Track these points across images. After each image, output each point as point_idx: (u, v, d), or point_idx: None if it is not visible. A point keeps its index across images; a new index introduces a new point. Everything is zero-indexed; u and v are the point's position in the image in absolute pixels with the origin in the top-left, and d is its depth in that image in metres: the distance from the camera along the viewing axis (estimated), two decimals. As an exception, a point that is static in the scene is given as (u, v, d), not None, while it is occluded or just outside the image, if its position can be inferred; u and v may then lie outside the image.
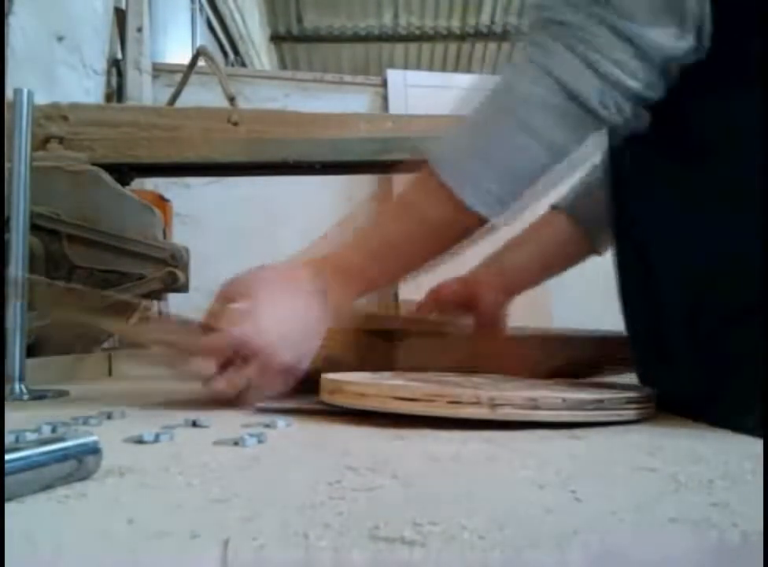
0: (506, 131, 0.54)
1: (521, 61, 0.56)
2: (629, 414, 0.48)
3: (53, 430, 0.42)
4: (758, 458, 0.34)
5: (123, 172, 1.16)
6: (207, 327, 0.57)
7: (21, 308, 0.70)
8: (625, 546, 0.22)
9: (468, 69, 5.96)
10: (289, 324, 0.57)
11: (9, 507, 0.25)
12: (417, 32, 5.68)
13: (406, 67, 5.72)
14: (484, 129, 0.56)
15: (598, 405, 0.46)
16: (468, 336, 0.75)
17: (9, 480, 0.26)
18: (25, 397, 0.67)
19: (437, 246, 0.60)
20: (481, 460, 0.35)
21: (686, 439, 0.41)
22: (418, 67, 5.83)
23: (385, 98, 3.12)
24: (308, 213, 2.99)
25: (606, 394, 0.48)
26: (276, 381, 0.57)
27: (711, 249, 0.54)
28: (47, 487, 0.28)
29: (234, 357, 0.55)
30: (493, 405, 0.45)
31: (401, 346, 0.69)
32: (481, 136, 0.56)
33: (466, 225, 0.57)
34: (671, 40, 0.50)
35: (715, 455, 0.36)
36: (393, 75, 3.20)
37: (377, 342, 0.68)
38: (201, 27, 3.76)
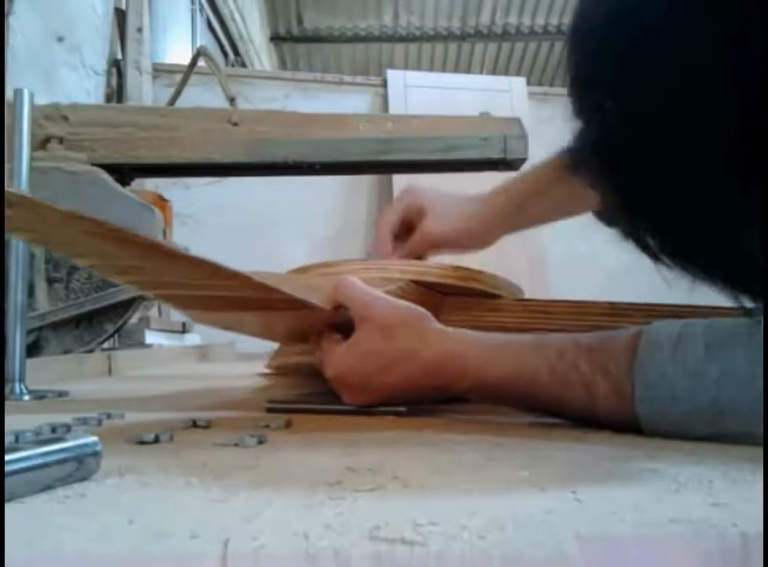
0: None
1: None
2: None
3: (53, 430, 0.42)
4: (758, 459, 0.34)
5: (123, 172, 1.16)
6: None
7: (21, 308, 0.70)
8: (625, 546, 0.22)
9: (468, 69, 5.96)
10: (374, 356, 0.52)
11: (9, 507, 0.25)
12: (417, 32, 5.68)
13: (406, 67, 5.72)
14: None
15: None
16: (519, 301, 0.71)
17: (9, 481, 0.26)
18: (25, 397, 0.67)
19: None
20: (481, 460, 0.35)
21: (686, 439, 0.41)
22: (418, 67, 5.83)
23: (385, 99, 3.12)
24: (308, 213, 3.00)
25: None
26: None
27: None
28: (47, 487, 0.28)
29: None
30: None
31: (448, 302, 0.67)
32: None
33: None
34: None
35: (715, 455, 0.36)
36: (393, 76, 3.20)
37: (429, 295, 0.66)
38: (201, 27, 3.76)
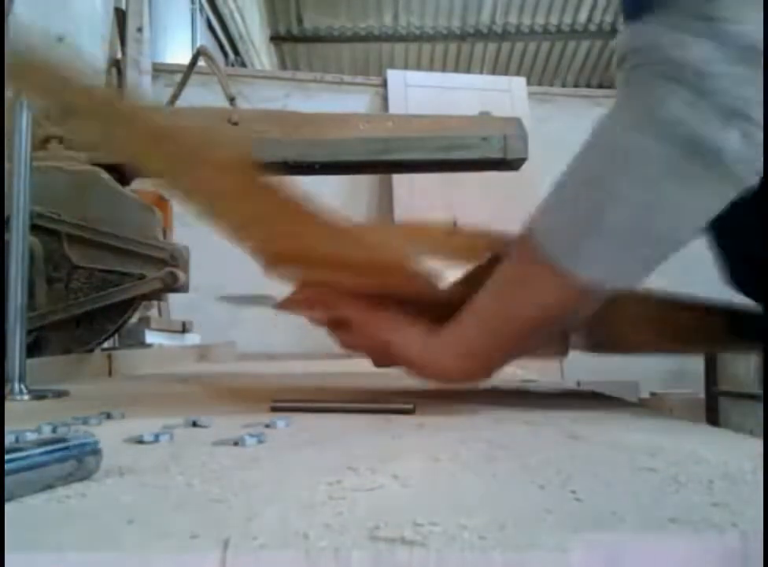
0: (605, 199, 0.47)
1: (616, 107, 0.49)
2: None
3: (53, 430, 0.42)
4: (758, 458, 0.34)
5: (123, 172, 1.16)
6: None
7: (21, 308, 0.70)
8: (625, 546, 0.22)
9: (468, 69, 5.97)
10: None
11: (8, 507, 0.25)
12: (417, 32, 5.68)
13: (406, 67, 5.73)
14: (584, 198, 0.49)
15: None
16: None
17: (8, 480, 0.26)
18: (25, 397, 0.67)
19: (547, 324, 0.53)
20: (481, 460, 0.35)
21: (687, 439, 0.41)
22: (418, 67, 5.84)
23: (385, 98, 3.12)
24: (308, 213, 3.00)
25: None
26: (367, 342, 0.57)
27: None
28: (47, 487, 0.28)
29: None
30: None
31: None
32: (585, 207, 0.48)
33: (581, 300, 0.51)
34: None
35: (715, 455, 0.36)
36: (393, 76, 3.21)
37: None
38: (201, 27, 3.76)
